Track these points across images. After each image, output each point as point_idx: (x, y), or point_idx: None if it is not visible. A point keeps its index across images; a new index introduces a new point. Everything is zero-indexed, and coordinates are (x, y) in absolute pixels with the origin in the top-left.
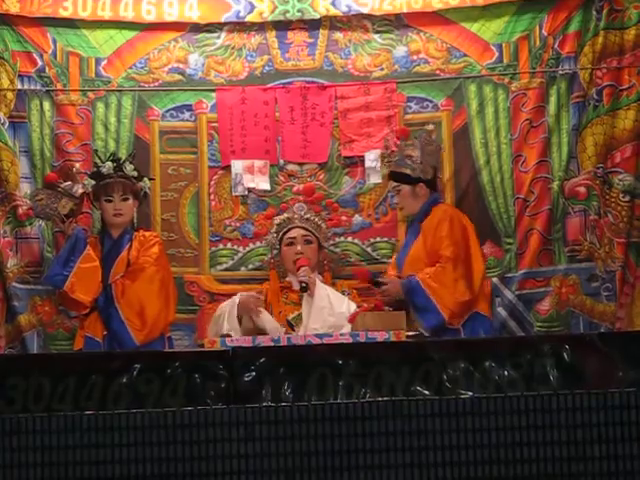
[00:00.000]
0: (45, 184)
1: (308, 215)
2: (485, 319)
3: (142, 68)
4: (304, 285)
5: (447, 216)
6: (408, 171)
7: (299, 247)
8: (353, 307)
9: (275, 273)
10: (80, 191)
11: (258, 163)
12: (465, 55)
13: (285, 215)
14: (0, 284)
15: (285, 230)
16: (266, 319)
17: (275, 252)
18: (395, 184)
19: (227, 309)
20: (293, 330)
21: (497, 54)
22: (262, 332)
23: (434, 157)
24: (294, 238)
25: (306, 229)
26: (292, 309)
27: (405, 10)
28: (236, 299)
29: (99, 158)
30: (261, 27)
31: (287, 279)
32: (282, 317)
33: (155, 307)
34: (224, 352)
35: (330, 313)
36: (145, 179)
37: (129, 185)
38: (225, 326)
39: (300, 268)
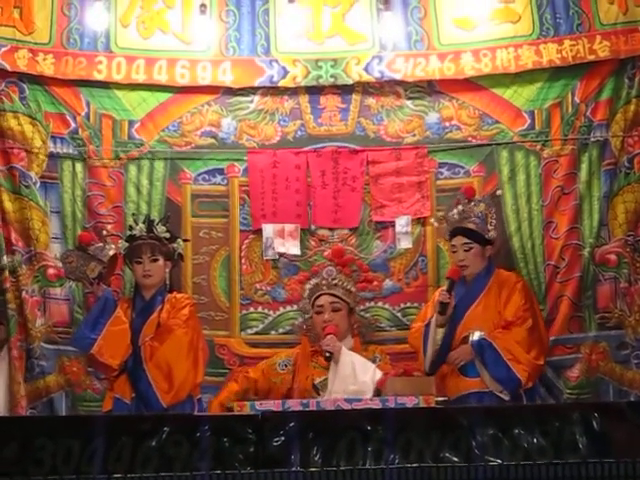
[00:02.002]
0: (78, 244)
1: (336, 280)
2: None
3: (175, 131)
4: (328, 355)
5: (520, 281)
6: (482, 232)
7: (326, 315)
8: (378, 375)
9: (307, 338)
10: (110, 254)
11: (289, 227)
12: (497, 122)
13: (314, 281)
14: (18, 341)
15: (315, 297)
16: None
17: (307, 317)
18: (467, 241)
19: None
20: (319, 394)
21: (529, 121)
22: None
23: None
24: (322, 306)
25: (334, 295)
26: (320, 373)
27: (437, 76)
28: None
29: (134, 221)
30: (294, 92)
31: (319, 343)
32: (309, 381)
33: (183, 369)
34: (253, 416)
35: (353, 382)
36: (179, 240)
37: (158, 246)
38: None
39: (326, 336)
